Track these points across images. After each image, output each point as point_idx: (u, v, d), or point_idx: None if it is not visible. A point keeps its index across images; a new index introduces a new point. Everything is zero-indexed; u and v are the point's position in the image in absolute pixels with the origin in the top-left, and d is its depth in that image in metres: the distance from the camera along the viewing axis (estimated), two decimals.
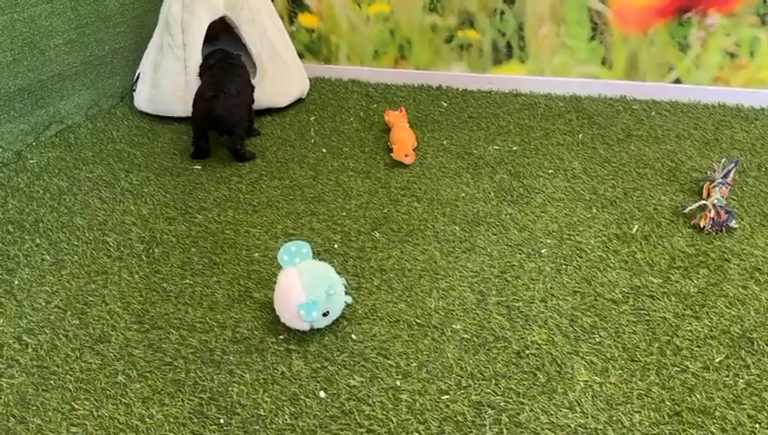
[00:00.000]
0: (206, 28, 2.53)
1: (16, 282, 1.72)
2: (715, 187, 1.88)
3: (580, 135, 2.39)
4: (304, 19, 2.97)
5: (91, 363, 1.45)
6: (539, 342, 1.44)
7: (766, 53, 2.44)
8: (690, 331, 1.45)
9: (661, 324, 1.48)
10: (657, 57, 2.56)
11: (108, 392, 1.37)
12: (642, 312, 1.52)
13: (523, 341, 1.45)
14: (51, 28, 2.49)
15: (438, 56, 2.84)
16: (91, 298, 1.65)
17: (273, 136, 2.52)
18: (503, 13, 2.68)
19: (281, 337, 1.49)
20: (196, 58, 2.52)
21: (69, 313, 1.60)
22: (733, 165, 1.95)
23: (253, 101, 2.44)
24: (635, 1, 2.49)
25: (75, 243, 1.87)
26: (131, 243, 1.87)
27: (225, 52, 2.40)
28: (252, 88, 2.43)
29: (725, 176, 1.92)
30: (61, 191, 2.15)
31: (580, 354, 1.41)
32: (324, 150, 2.38)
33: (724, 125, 2.39)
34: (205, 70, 2.37)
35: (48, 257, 1.81)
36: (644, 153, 2.23)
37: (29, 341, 1.52)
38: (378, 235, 1.87)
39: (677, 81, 2.58)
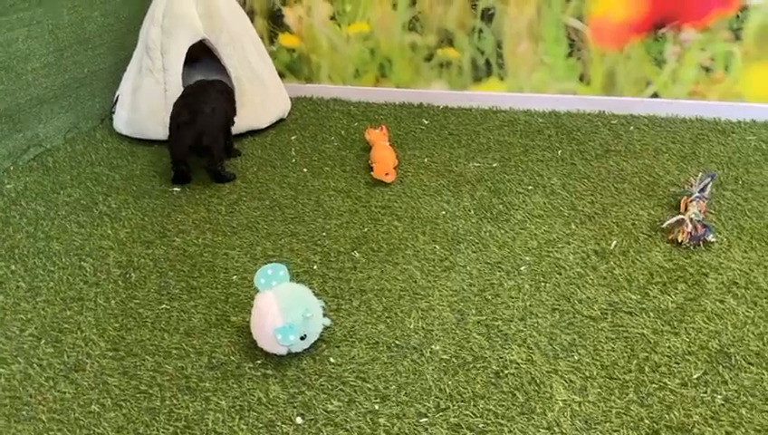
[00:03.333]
0: (185, 52, 2.53)
1: None
2: (692, 201, 1.89)
3: (560, 151, 2.40)
4: (285, 39, 2.98)
5: (64, 393, 1.42)
6: (518, 361, 1.44)
7: (741, 68, 2.47)
8: (668, 347, 1.45)
9: (639, 341, 1.47)
10: (634, 72, 2.59)
11: (81, 422, 1.34)
12: (621, 328, 1.52)
13: (502, 360, 1.44)
14: (28, 52, 2.48)
15: (419, 74, 2.86)
16: (66, 325, 1.63)
17: (254, 156, 2.51)
18: (481, 31, 2.70)
19: (258, 362, 1.48)
20: (176, 81, 2.51)
21: (43, 341, 1.58)
22: (709, 179, 1.97)
23: (232, 122, 2.44)
24: (611, 18, 2.52)
25: (51, 269, 1.85)
26: (108, 268, 1.85)
27: (204, 80, 2.39)
28: (231, 108, 2.43)
29: (702, 190, 1.93)
30: (38, 216, 2.13)
31: (559, 373, 1.40)
32: (305, 170, 2.38)
33: (702, 138, 2.41)
34: (180, 95, 2.35)
35: (23, 284, 1.79)
36: (622, 168, 2.24)
37: (1, 371, 1.49)
38: (357, 255, 1.86)
39: (655, 95, 2.61)
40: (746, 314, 1.53)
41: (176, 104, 2.26)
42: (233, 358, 1.49)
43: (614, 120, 2.61)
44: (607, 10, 2.51)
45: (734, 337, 1.47)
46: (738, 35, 2.42)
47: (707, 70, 2.51)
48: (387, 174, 2.23)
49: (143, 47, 2.61)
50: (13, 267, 1.86)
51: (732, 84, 2.50)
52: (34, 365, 1.50)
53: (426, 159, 2.40)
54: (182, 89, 2.53)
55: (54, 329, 1.61)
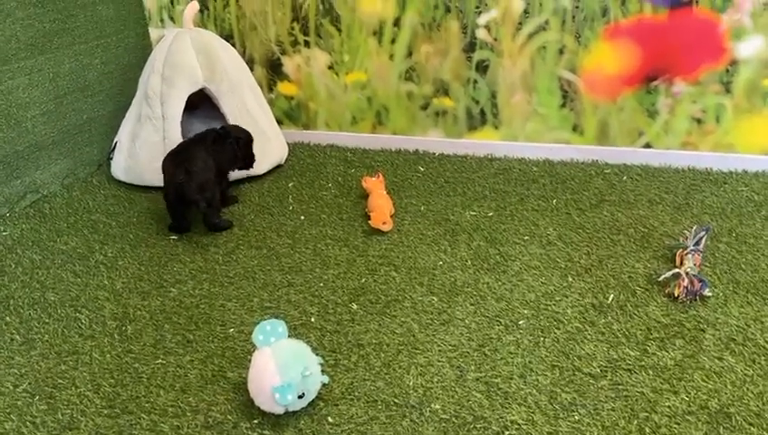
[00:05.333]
0: (185, 100, 2.56)
1: None
2: (687, 254, 1.91)
3: (554, 200, 2.42)
4: (283, 87, 3.03)
5: None
6: (519, 421, 1.43)
7: (731, 119, 2.52)
8: (668, 406, 1.45)
9: (639, 400, 1.47)
10: (627, 123, 2.64)
11: None
12: (620, 387, 1.51)
13: (502, 420, 1.43)
14: (28, 99, 2.51)
15: (415, 122, 2.90)
16: (60, 381, 1.61)
17: (251, 203, 2.52)
18: (476, 82, 2.75)
19: (255, 421, 1.46)
20: (175, 130, 2.54)
21: (37, 397, 1.55)
22: (704, 232, 1.99)
23: (250, 166, 2.47)
24: (604, 70, 2.58)
25: (46, 320, 1.83)
26: (104, 320, 1.83)
27: (213, 130, 2.39)
28: (231, 157, 2.43)
29: (697, 243, 1.95)
30: (33, 265, 2.12)
31: (560, 434, 1.39)
32: (302, 218, 2.39)
33: (695, 189, 2.44)
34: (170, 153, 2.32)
35: (18, 337, 1.77)
36: (617, 219, 2.26)
37: None
38: (355, 307, 1.86)
39: (647, 145, 2.65)
40: (745, 371, 1.54)
41: (167, 162, 2.24)
42: (229, 417, 1.47)
43: (608, 169, 2.64)
44: (599, 63, 2.57)
45: (733, 396, 1.47)
46: (728, 88, 2.48)
47: (699, 121, 2.56)
48: (384, 223, 2.24)
49: (143, 95, 2.63)
50: (8, 319, 1.85)
51: (723, 135, 2.55)
52: (28, 423, 1.48)
53: (422, 208, 2.42)
54: (180, 136, 2.55)
55: (49, 384, 1.59)
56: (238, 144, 2.41)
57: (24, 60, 2.47)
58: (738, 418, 1.41)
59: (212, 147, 2.31)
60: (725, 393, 1.47)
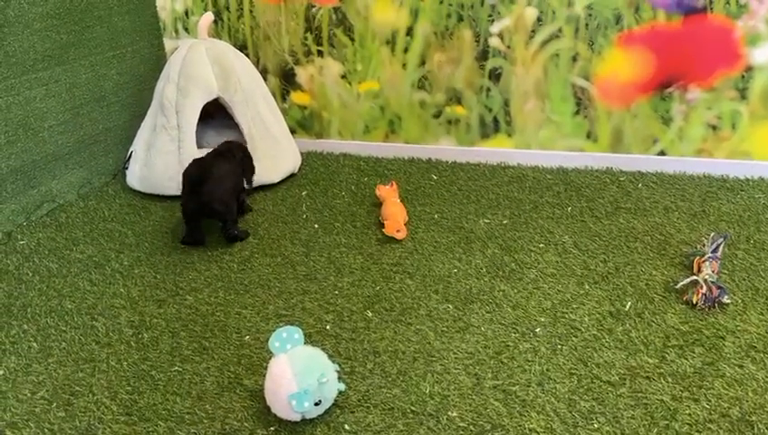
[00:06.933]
0: (200, 110, 2.58)
1: (1, 371, 1.68)
2: (705, 261, 1.89)
3: (569, 208, 2.41)
4: (296, 97, 3.04)
5: None
6: (537, 429, 1.41)
7: (747, 126, 2.50)
8: (689, 414, 1.43)
9: (659, 408, 1.45)
10: (642, 130, 2.63)
11: None
12: (640, 394, 1.49)
13: (520, 428, 1.42)
14: (45, 110, 2.53)
15: (427, 131, 2.90)
16: (77, 388, 1.61)
17: (266, 212, 2.53)
18: (488, 90, 2.75)
19: (271, 428, 1.45)
20: (190, 139, 2.56)
21: (55, 404, 1.56)
22: (722, 239, 1.97)
23: (249, 184, 2.45)
24: (617, 77, 2.57)
25: (63, 328, 1.84)
26: (120, 327, 1.84)
27: (227, 143, 2.40)
28: (247, 169, 2.44)
29: (715, 250, 1.93)
30: (50, 273, 2.13)
31: None
32: (316, 226, 2.39)
33: (711, 196, 2.42)
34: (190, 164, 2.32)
35: (35, 344, 1.78)
36: (633, 226, 2.25)
37: None
38: (370, 314, 1.85)
39: (662, 153, 2.63)
40: (766, 379, 1.51)
41: (185, 173, 2.26)
42: (246, 424, 1.47)
43: (622, 177, 2.63)
44: (613, 70, 2.57)
45: (755, 404, 1.45)
46: (744, 95, 2.46)
47: (714, 128, 2.54)
48: (398, 231, 2.24)
49: (158, 105, 2.66)
50: (25, 326, 1.86)
51: (739, 142, 2.53)
52: (46, 430, 1.48)
53: (436, 216, 2.42)
54: (195, 145, 2.57)
55: (66, 392, 1.60)
56: (245, 156, 2.42)
57: (42, 71, 2.50)
58: (761, 426, 1.39)
59: (232, 159, 2.32)
60: (747, 401, 1.45)
